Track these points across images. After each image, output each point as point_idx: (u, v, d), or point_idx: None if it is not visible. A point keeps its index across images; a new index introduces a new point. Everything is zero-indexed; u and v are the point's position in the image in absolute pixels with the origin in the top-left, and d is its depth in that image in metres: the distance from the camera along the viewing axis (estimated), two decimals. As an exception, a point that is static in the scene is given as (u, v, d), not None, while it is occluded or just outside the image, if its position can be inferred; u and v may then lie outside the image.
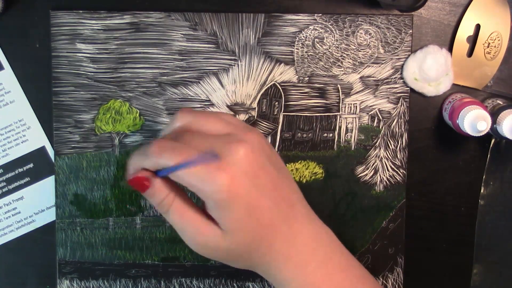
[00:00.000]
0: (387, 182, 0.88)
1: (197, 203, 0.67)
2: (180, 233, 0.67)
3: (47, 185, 0.88)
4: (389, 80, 0.87)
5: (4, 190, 0.87)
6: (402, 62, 0.86)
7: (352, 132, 0.87)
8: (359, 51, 0.86)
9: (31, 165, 0.87)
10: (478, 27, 0.87)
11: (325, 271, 0.68)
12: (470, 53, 0.87)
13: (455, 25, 0.88)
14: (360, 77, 0.87)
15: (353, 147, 0.88)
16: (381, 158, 0.88)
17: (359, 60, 0.86)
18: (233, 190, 0.62)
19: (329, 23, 0.86)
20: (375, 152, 0.88)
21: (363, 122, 0.87)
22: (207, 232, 0.65)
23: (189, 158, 0.62)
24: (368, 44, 0.86)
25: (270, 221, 0.65)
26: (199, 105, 0.86)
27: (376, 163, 0.88)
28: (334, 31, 0.86)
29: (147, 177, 0.65)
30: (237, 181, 0.62)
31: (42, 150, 0.87)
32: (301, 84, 0.87)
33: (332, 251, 0.69)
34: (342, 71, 0.87)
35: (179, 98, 0.86)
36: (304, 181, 0.88)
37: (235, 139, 0.63)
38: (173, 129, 0.67)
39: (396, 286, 0.89)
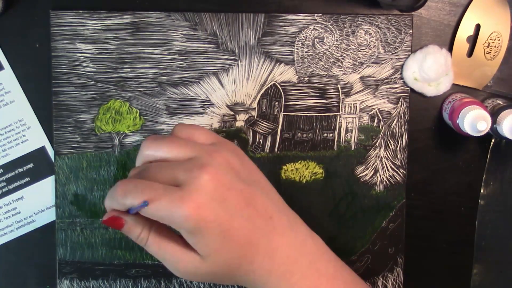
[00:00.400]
0: (387, 182, 0.88)
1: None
2: (162, 262, 0.69)
3: (47, 185, 0.88)
4: (389, 80, 0.87)
5: (4, 190, 0.87)
6: (402, 62, 0.86)
7: (352, 132, 0.87)
8: (359, 51, 0.86)
9: (31, 165, 0.87)
10: (478, 27, 0.87)
11: (311, 281, 0.68)
12: (470, 53, 0.87)
13: (455, 25, 0.88)
14: (360, 77, 0.87)
15: (353, 147, 0.88)
16: (381, 158, 0.88)
17: (359, 60, 0.86)
18: (201, 218, 0.62)
19: (329, 23, 0.86)
20: (375, 152, 0.88)
21: (363, 122, 0.87)
22: (185, 259, 0.66)
23: (151, 195, 0.62)
24: (368, 44, 0.86)
25: (247, 239, 0.65)
26: (199, 105, 0.86)
27: (376, 163, 0.88)
28: (334, 31, 0.86)
29: (118, 217, 0.67)
30: (204, 208, 0.62)
31: (42, 150, 0.87)
32: (301, 84, 0.87)
33: (317, 259, 0.69)
34: (342, 71, 0.87)
35: (179, 98, 0.86)
36: (304, 181, 0.88)
37: (198, 165, 0.64)
38: (142, 159, 0.68)
39: (396, 286, 0.89)
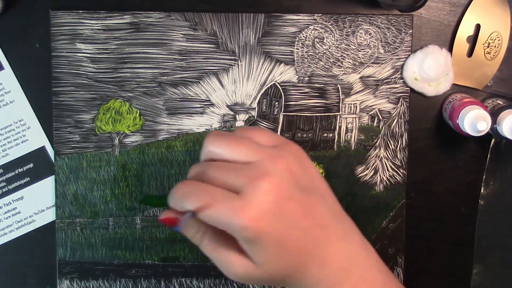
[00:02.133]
0: (387, 182, 0.88)
1: None
2: (216, 264, 0.68)
3: (47, 185, 0.88)
4: (389, 80, 0.87)
5: (4, 190, 0.87)
6: (402, 62, 0.86)
7: (352, 132, 0.87)
8: (359, 51, 0.86)
9: (31, 165, 0.87)
10: (478, 27, 0.87)
11: None
12: (470, 53, 0.87)
13: (455, 25, 0.88)
14: (360, 77, 0.87)
15: (353, 147, 0.88)
16: (381, 158, 0.88)
17: (359, 60, 0.86)
18: (258, 229, 0.61)
19: (329, 23, 0.86)
20: (375, 152, 0.88)
21: (363, 122, 0.87)
22: (238, 264, 0.65)
23: (210, 200, 0.62)
24: (368, 44, 0.86)
25: (302, 250, 0.64)
26: (199, 105, 0.86)
27: (376, 163, 0.88)
28: (334, 31, 0.86)
29: (174, 218, 0.66)
30: (262, 219, 0.61)
31: (42, 150, 0.87)
32: (301, 84, 0.87)
33: (368, 270, 0.68)
34: (342, 71, 0.87)
35: (179, 98, 0.86)
36: (304, 181, 0.88)
37: (259, 173, 0.62)
38: (204, 155, 0.67)
39: (396, 286, 0.89)
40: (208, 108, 0.86)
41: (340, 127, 0.87)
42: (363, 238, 0.69)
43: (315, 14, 0.86)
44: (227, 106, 0.86)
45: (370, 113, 0.87)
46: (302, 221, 0.64)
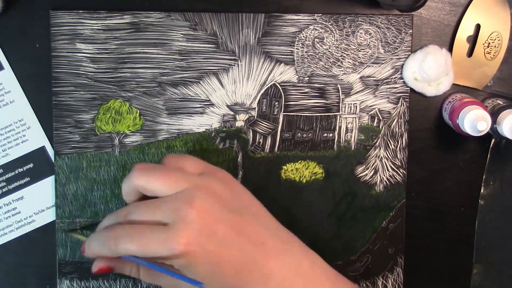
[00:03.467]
0: (387, 182, 0.88)
1: None
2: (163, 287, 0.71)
3: (47, 185, 0.88)
4: (389, 80, 0.87)
5: (4, 190, 0.87)
6: (402, 62, 0.86)
7: (352, 132, 0.87)
8: (359, 51, 0.86)
9: (31, 165, 0.87)
10: (478, 27, 0.87)
11: None
12: (470, 53, 0.87)
13: (455, 25, 0.88)
14: (360, 77, 0.87)
15: (353, 147, 0.88)
16: (381, 158, 0.88)
17: (359, 60, 0.86)
18: (190, 253, 0.63)
19: (329, 23, 0.86)
20: (375, 152, 0.88)
21: (363, 122, 0.87)
22: (182, 286, 0.68)
23: (141, 239, 0.64)
24: (368, 44, 0.86)
25: (238, 269, 0.66)
26: (199, 105, 0.86)
27: (376, 163, 0.88)
28: (334, 31, 0.86)
29: (107, 267, 0.70)
30: (192, 243, 0.63)
31: (42, 150, 0.87)
32: (301, 84, 0.87)
33: (313, 279, 0.69)
34: (342, 71, 0.87)
35: (179, 98, 0.86)
36: (304, 181, 0.88)
37: (185, 201, 0.65)
38: (130, 188, 0.69)
39: (396, 286, 0.89)
40: (208, 108, 0.86)
41: (340, 127, 0.87)
42: (306, 248, 0.71)
43: (315, 14, 0.86)
44: (227, 106, 0.86)
45: (370, 113, 0.87)
46: (236, 240, 0.65)
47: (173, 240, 0.63)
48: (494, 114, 0.83)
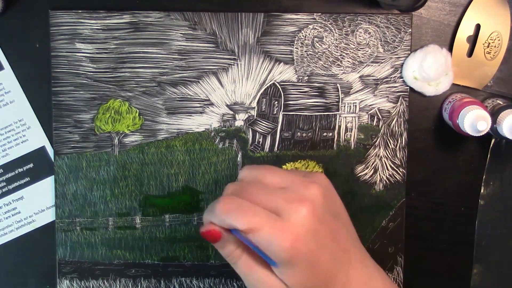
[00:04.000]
0: (387, 181, 0.88)
1: None
2: (246, 283, 0.69)
3: (47, 185, 0.88)
4: (389, 79, 0.87)
5: (4, 190, 0.87)
6: (401, 61, 0.86)
7: (351, 131, 0.87)
8: (359, 50, 0.86)
9: (31, 165, 0.87)
10: (478, 27, 0.87)
11: None
12: (470, 53, 0.87)
13: (455, 25, 0.88)
14: (360, 76, 0.87)
15: (352, 146, 0.88)
16: (381, 157, 0.88)
17: (358, 59, 0.86)
18: (296, 250, 0.63)
19: (329, 22, 0.86)
20: (375, 151, 0.88)
21: (363, 121, 0.87)
22: (271, 284, 0.67)
23: (254, 220, 0.64)
24: (368, 43, 0.86)
25: (329, 273, 0.66)
26: (198, 105, 0.86)
27: (375, 162, 0.88)
28: (333, 30, 0.86)
29: (217, 231, 0.67)
30: (300, 240, 0.63)
31: (42, 150, 0.87)
32: (300, 84, 0.87)
33: None
34: (342, 70, 0.87)
35: (178, 97, 0.86)
36: (304, 181, 0.88)
37: (297, 197, 0.65)
38: (241, 177, 0.70)
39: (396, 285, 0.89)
40: (208, 107, 0.86)
41: (339, 126, 0.87)
42: (376, 264, 0.72)
43: (315, 14, 0.86)
44: (227, 105, 0.86)
45: (369, 112, 0.87)
46: (330, 244, 0.66)
47: (286, 233, 0.63)
48: (494, 114, 0.83)
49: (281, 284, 0.66)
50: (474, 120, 0.80)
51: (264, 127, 0.87)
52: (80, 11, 0.84)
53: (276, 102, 0.87)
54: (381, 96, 0.87)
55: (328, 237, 0.66)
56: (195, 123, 0.86)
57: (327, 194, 0.68)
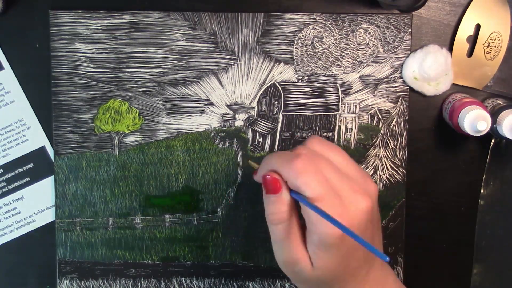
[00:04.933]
0: (387, 181, 0.88)
1: None
2: (275, 247, 0.69)
3: (47, 185, 0.88)
4: (389, 79, 0.87)
5: (4, 190, 0.87)
6: (401, 61, 0.86)
7: (351, 131, 0.87)
8: (359, 50, 0.86)
9: (31, 165, 0.87)
10: (478, 27, 0.87)
11: None
12: (470, 53, 0.87)
13: (455, 25, 0.88)
14: (360, 76, 0.87)
15: (352, 146, 0.88)
16: (381, 157, 0.88)
17: (358, 59, 0.86)
18: (343, 239, 0.64)
19: (329, 22, 0.86)
20: (375, 151, 0.88)
21: (363, 121, 0.87)
22: (299, 261, 0.67)
23: (323, 193, 0.64)
24: (368, 43, 0.86)
25: (354, 269, 0.67)
26: (198, 105, 0.86)
27: (375, 162, 0.88)
28: (333, 30, 0.86)
29: (280, 183, 0.67)
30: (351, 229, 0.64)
31: (42, 150, 0.87)
32: (300, 84, 0.87)
33: (392, 283, 0.72)
34: (342, 70, 0.87)
35: (178, 97, 0.86)
36: (304, 181, 0.87)
37: (359, 189, 0.66)
38: (307, 145, 0.69)
39: (396, 286, 0.89)
40: (208, 107, 0.86)
41: (339, 126, 0.87)
42: (392, 270, 0.73)
43: (315, 14, 0.86)
44: (227, 105, 0.86)
45: (369, 112, 0.87)
46: (365, 237, 0.67)
47: (342, 217, 0.63)
48: (494, 114, 0.83)
49: (308, 262, 0.66)
50: (474, 120, 0.80)
51: (264, 127, 0.87)
52: (80, 11, 0.84)
53: (276, 102, 0.87)
54: (381, 96, 0.87)
55: (369, 237, 0.67)
56: (195, 123, 0.86)
57: (377, 198, 0.69)
